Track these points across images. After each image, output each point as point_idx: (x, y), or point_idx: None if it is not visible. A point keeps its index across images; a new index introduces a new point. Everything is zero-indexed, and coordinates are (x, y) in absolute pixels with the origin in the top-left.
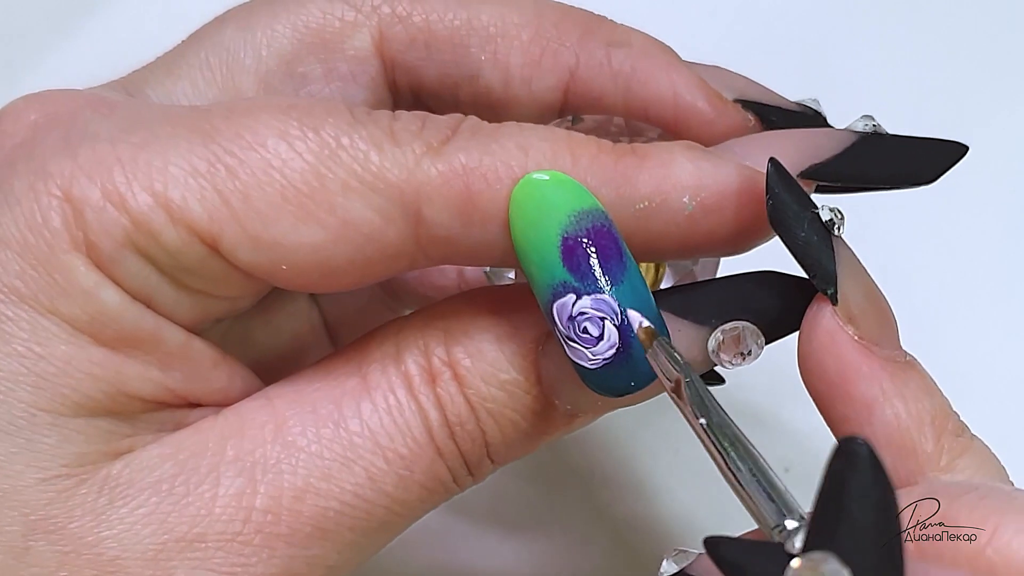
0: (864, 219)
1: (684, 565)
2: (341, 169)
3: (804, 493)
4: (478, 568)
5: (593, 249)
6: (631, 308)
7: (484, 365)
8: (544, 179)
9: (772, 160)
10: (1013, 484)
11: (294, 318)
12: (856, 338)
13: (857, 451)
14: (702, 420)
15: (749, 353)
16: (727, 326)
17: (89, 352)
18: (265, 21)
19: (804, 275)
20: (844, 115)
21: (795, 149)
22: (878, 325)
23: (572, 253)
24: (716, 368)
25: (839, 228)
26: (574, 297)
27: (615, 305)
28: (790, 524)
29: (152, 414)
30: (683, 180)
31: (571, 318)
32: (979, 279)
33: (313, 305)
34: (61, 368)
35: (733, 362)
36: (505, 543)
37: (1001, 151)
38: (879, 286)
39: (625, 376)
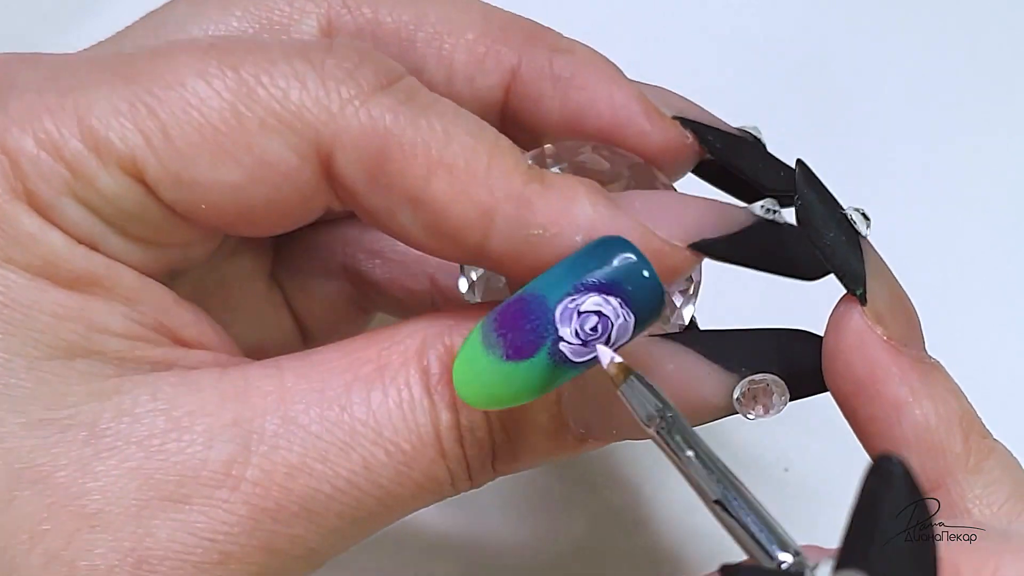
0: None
1: None
2: (259, 107)
3: (803, 493)
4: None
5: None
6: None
7: None
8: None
9: (799, 162)
10: None
11: (258, 311)
12: (885, 339)
13: (892, 469)
14: (690, 453)
15: (772, 407)
16: (756, 377)
17: (51, 294)
18: (217, 2)
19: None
20: (845, 112)
21: (691, 217)
22: (906, 326)
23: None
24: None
25: (867, 229)
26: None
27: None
28: (784, 557)
29: (135, 351)
30: (579, 219)
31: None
32: (978, 282)
33: (279, 296)
34: (26, 313)
35: (753, 413)
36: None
37: (999, 154)
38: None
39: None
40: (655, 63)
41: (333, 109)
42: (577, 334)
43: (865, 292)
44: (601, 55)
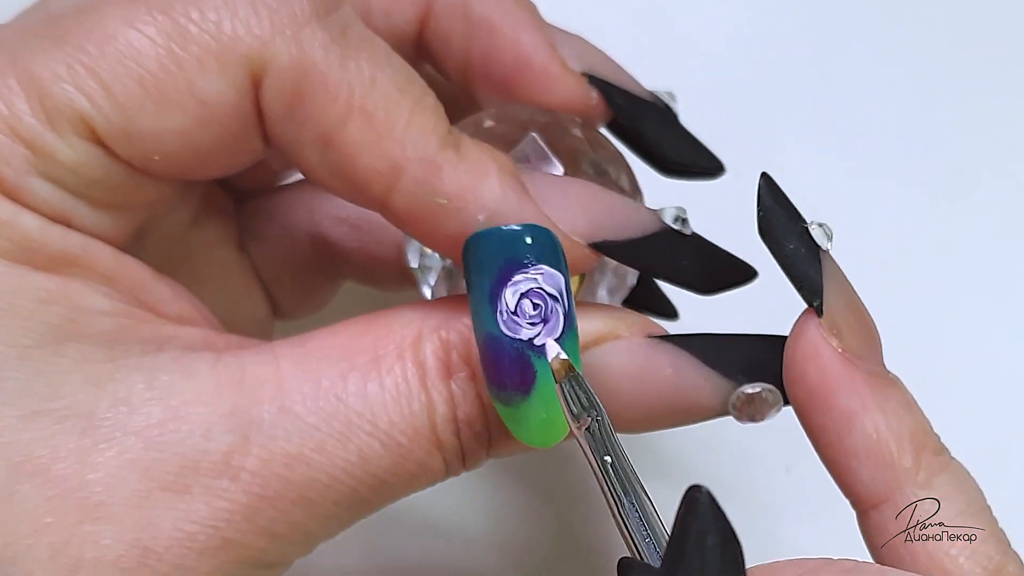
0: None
1: None
2: (194, 46)
3: (806, 493)
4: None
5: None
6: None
7: None
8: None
9: (763, 174)
10: (990, 509)
11: (228, 281)
12: (840, 350)
13: (697, 499)
14: (607, 458)
15: (766, 415)
16: (753, 387)
17: (31, 279)
18: None
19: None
20: (846, 113)
21: (596, 216)
22: (862, 339)
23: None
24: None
25: (828, 243)
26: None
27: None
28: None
29: (124, 331)
30: (486, 198)
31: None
32: (978, 282)
33: (248, 266)
34: (10, 301)
35: (751, 420)
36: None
37: (999, 153)
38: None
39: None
40: (655, 62)
41: (265, 37)
42: (532, 322)
43: (822, 304)
44: (524, 1)
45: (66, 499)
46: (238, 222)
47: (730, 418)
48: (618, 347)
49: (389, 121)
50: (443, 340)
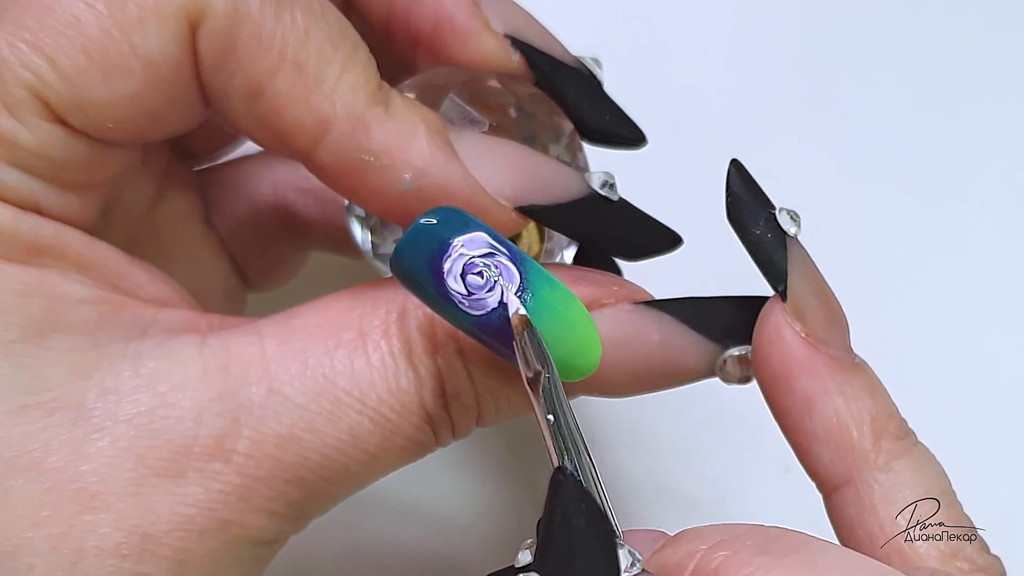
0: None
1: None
2: (132, 5)
3: (805, 493)
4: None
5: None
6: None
7: None
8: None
9: (733, 161)
10: (953, 492)
11: (196, 257)
12: (803, 335)
13: (562, 481)
14: (550, 416)
15: (750, 378)
16: (739, 349)
17: (8, 272)
18: None
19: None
20: (845, 113)
21: (523, 180)
22: (826, 324)
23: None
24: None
25: (795, 229)
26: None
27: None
28: None
29: (104, 318)
30: (412, 158)
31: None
32: (979, 282)
33: (215, 240)
34: None
35: (737, 382)
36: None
37: (1000, 153)
38: (832, 288)
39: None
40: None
41: None
42: (488, 288)
43: (786, 289)
44: None
45: (62, 491)
46: (202, 196)
47: (730, 419)
48: (603, 315)
49: (320, 75)
50: (428, 315)
